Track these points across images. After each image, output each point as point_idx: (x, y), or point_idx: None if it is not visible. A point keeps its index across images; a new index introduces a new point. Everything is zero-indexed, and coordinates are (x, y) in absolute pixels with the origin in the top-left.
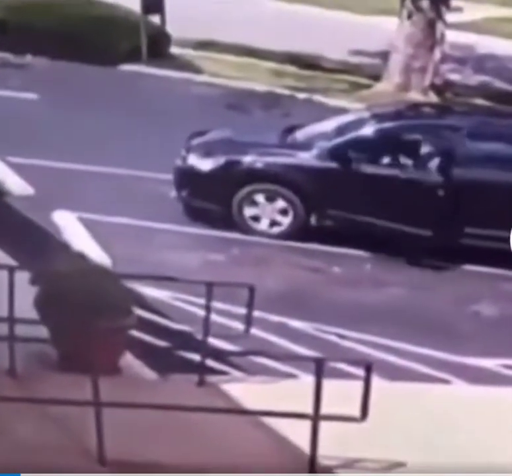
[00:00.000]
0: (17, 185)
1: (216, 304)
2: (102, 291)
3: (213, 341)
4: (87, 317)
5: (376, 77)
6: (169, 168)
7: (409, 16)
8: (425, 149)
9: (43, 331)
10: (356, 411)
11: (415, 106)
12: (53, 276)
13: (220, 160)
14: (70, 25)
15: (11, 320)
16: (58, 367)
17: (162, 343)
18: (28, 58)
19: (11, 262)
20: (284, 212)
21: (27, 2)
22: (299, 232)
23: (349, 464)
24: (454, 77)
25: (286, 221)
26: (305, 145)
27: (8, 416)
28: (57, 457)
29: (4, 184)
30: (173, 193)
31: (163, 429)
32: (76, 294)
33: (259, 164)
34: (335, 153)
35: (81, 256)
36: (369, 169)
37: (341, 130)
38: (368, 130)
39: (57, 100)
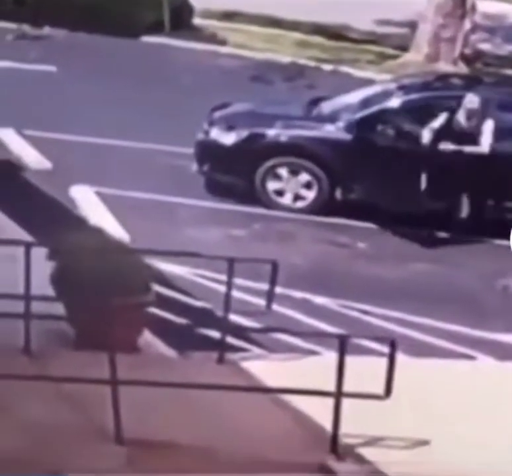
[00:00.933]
0: (35, 159)
1: (238, 280)
2: (119, 267)
3: (234, 318)
4: (104, 294)
5: (404, 48)
6: (191, 142)
7: None
8: (454, 121)
9: (59, 308)
10: (379, 388)
11: (444, 77)
12: (70, 252)
13: (243, 133)
14: None
15: (27, 297)
16: (75, 345)
17: (182, 320)
18: (47, 30)
19: (28, 238)
20: (308, 186)
21: None
22: (324, 206)
23: (372, 442)
24: (485, 46)
25: (310, 195)
26: (331, 118)
27: (23, 394)
28: (73, 436)
29: (22, 158)
30: (194, 167)
31: (182, 408)
32: (93, 270)
33: (283, 137)
34: (361, 126)
35: (98, 232)
36: (396, 142)
37: (367, 102)
38: (395, 102)
39: (77, 72)
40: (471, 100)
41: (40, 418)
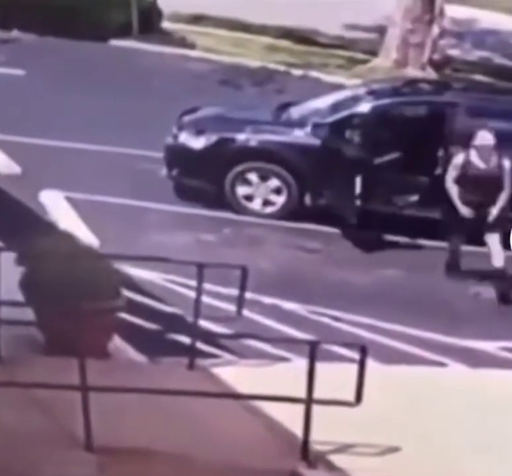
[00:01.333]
0: (3, 163)
1: (208, 285)
2: (89, 272)
3: (205, 323)
4: (74, 299)
5: (373, 52)
6: (160, 146)
7: None
8: (421, 126)
9: (29, 314)
10: (350, 395)
11: (413, 82)
12: (40, 257)
13: (212, 137)
14: None
15: None
16: (44, 351)
17: (152, 325)
18: (15, 33)
19: None
20: (277, 191)
21: None
22: (293, 212)
23: (342, 449)
24: (453, 52)
25: (279, 200)
26: (300, 123)
27: None
28: (43, 443)
29: None
30: (164, 171)
31: (153, 414)
32: (62, 275)
33: (253, 142)
34: (330, 131)
35: (68, 237)
36: (363, 147)
37: (336, 107)
38: (364, 107)
39: (45, 76)
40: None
41: (9, 425)
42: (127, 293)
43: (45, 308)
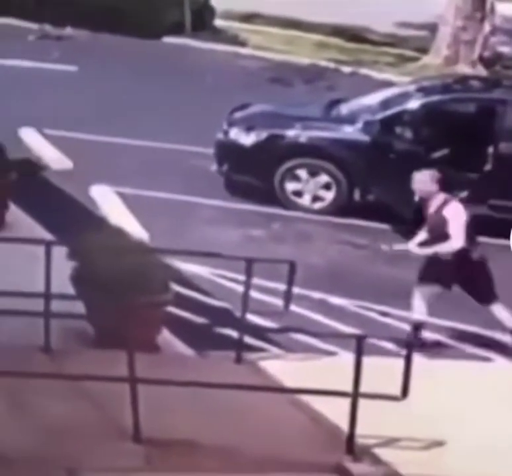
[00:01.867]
0: (56, 159)
1: (256, 280)
2: (138, 266)
3: (252, 318)
4: (123, 293)
5: (423, 50)
6: (211, 142)
7: None
8: (471, 123)
9: (79, 307)
10: (396, 389)
11: (463, 79)
12: (90, 251)
13: (262, 134)
14: None
15: (47, 295)
16: (94, 344)
17: (200, 319)
18: (69, 30)
19: (49, 236)
20: (327, 187)
21: None
22: (342, 207)
23: (388, 443)
24: (504, 49)
25: (328, 196)
26: (350, 119)
27: (42, 392)
28: (91, 434)
29: (43, 157)
30: (214, 167)
31: (200, 407)
32: (112, 270)
33: (302, 139)
34: (380, 127)
35: (118, 231)
36: (413, 144)
37: (386, 104)
38: (414, 104)
39: (98, 72)
40: None
41: (58, 416)
42: (176, 288)
43: (96, 302)
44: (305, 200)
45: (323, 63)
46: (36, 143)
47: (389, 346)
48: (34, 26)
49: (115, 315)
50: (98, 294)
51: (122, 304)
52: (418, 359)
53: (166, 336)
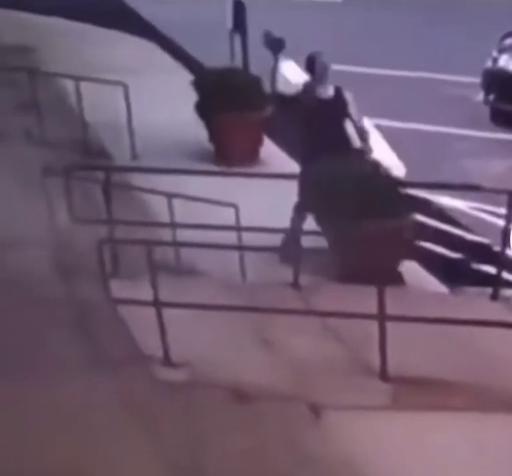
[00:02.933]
0: None
1: None
2: (372, 193)
3: None
4: (360, 219)
5: None
6: (476, 71)
7: None
8: None
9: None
10: None
11: None
12: (331, 179)
13: None
14: None
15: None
16: (339, 278)
17: (456, 255)
18: None
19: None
20: None
21: None
22: None
23: None
24: None
25: None
26: None
27: (290, 328)
28: (337, 371)
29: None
30: (480, 96)
31: (451, 345)
32: (349, 197)
33: None
34: None
35: (374, 164)
36: None
37: None
38: None
39: (361, 3)
40: None
41: (304, 353)
42: (432, 222)
43: (334, 230)
44: None
45: None
46: (294, 77)
47: None
48: None
49: (354, 244)
50: (335, 222)
51: (358, 231)
52: None
53: (419, 272)
